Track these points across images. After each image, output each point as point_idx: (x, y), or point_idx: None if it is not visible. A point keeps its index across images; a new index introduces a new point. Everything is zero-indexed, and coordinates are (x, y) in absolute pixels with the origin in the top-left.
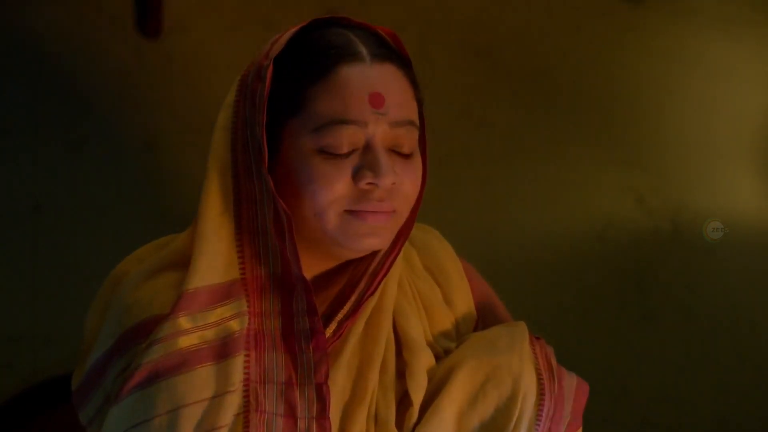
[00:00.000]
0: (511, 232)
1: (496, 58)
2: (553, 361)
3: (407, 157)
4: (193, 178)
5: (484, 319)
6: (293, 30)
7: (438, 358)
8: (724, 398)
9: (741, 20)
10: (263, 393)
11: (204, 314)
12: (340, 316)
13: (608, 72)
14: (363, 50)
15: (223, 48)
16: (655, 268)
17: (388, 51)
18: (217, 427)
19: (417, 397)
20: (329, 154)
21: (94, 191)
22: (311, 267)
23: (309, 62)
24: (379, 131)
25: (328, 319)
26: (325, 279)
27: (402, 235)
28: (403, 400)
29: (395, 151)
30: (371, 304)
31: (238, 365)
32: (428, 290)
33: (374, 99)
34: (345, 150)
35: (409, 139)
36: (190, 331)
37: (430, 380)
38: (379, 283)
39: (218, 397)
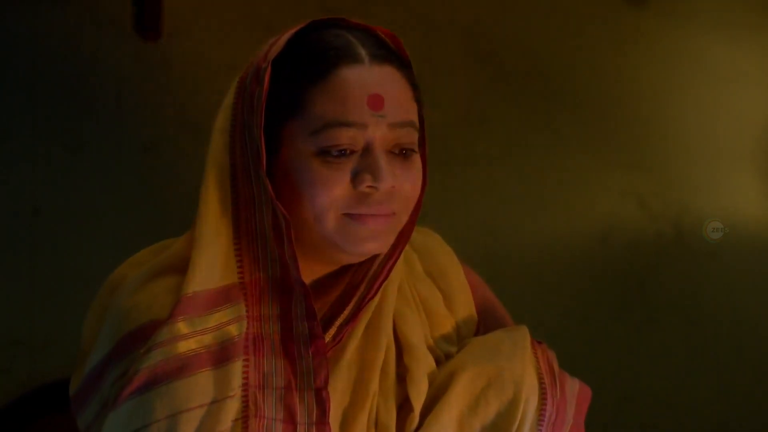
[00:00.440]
0: (512, 236)
1: (497, 61)
2: (555, 366)
3: (407, 159)
4: (192, 182)
5: (485, 323)
6: (291, 31)
7: (439, 362)
8: (727, 402)
9: (743, 23)
10: (262, 398)
11: (203, 319)
12: (339, 320)
13: (610, 75)
14: (362, 51)
15: (223, 51)
16: (657, 272)
17: (387, 52)
18: None
19: (418, 402)
20: (328, 157)
21: (93, 194)
22: (311, 272)
23: (307, 64)
24: (378, 133)
25: (327, 323)
26: (325, 283)
27: (402, 239)
28: (404, 405)
29: (395, 153)
30: (371, 308)
31: (237, 370)
32: (429, 294)
33: (373, 101)
34: (344, 152)
35: (408, 141)
36: (189, 336)
37: (430, 385)
38: (379, 287)
39: (217, 402)
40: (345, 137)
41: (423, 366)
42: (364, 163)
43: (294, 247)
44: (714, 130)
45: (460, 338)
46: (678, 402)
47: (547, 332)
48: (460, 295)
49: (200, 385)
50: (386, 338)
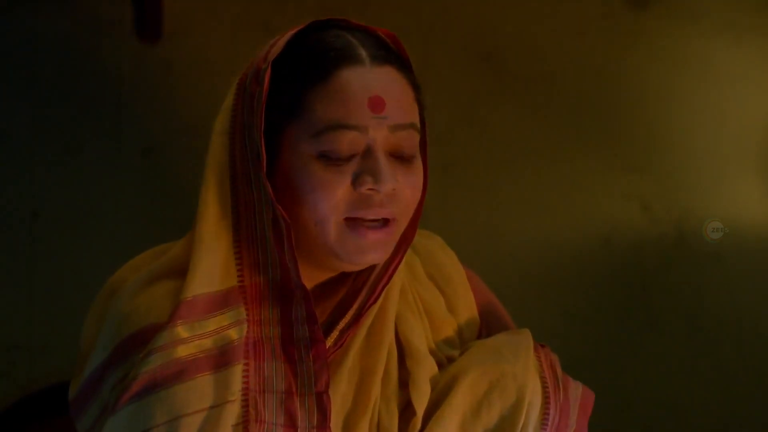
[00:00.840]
0: (514, 239)
1: (499, 63)
2: (558, 370)
3: (408, 162)
4: (192, 184)
5: (487, 326)
6: (291, 32)
7: (441, 366)
8: (730, 406)
9: (747, 25)
10: (263, 403)
11: (202, 323)
12: (341, 325)
13: (613, 77)
14: (363, 53)
15: (223, 53)
16: (660, 275)
17: (388, 53)
18: None
19: (420, 406)
20: (329, 159)
21: (92, 197)
22: (311, 276)
23: (308, 65)
24: (379, 136)
25: (329, 328)
26: (326, 288)
27: (404, 243)
28: (406, 410)
29: (396, 157)
30: (373, 312)
31: (236, 374)
32: (431, 298)
33: (374, 103)
34: (345, 155)
35: (410, 143)
36: (188, 340)
37: (433, 389)
38: (381, 291)
39: (217, 407)
40: (346, 140)
41: (425, 370)
42: (365, 165)
43: (294, 250)
44: (717, 133)
45: (462, 342)
46: (681, 405)
47: (549, 335)
48: (462, 298)
49: (199, 390)
50: (388, 342)
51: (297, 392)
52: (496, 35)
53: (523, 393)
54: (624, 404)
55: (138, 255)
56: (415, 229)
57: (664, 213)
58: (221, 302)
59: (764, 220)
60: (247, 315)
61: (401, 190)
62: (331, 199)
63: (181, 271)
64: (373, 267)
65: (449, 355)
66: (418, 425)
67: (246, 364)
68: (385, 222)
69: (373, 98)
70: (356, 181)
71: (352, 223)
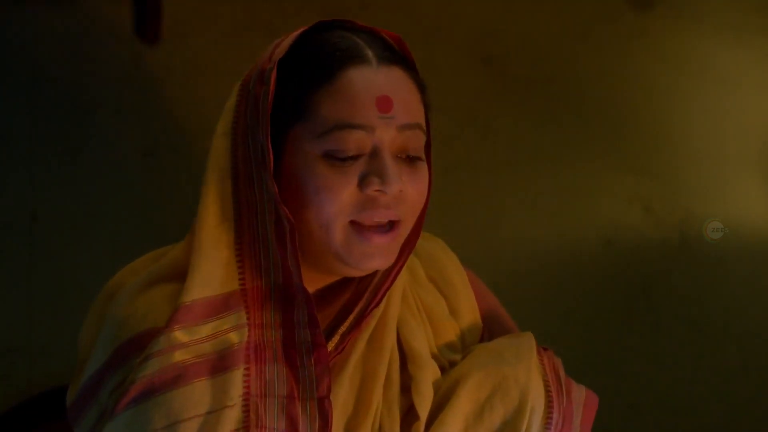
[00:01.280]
0: (516, 241)
1: (501, 65)
2: (562, 373)
3: (414, 163)
4: (192, 187)
5: (490, 329)
6: (297, 33)
7: (443, 370)
8: (733, 409)
9: (750, 27)
10: (263, 407)
11: (201, 327)
12: (342, 329)
13: (615, 79)
14: (369, 53)
15: (223, 54)
16: (662, 279)
17: (394, 54)
18: None
19: (423, 410)
20: (335, 160)
21: (92, 200)
22: (314, 280)
23: (314, 65)
24: (386, 136)
25: (330, 332)
26: (328, 293)
27: (407, 247)
28: (408, 414)
29: (402, 158)
30: (375, 316)
31: (236, 379)
32: (433, 302)
33: (382, 103)
34: (351, 155)
35: (416, 144)
36: (187, 345)
37: (435, 393)
38: (383, 295)
39: (216, 412)
40: (353, 140)
41: (427, 374)
42: (372, 166)
43: (297, 252)
44: (720, 135)
45: (464, 345)
46: (684, 408)
47: (551, 339)
48: (465, 301)
49: (196, 395)
50: (390, 347)
51: (299, 397)
52: (498, 38)
53: (526, 397)
54: (627, 407)
55: (137, 258)
56: (419, 234)
57: (667, 215)
58: (221, 306)
59: (767, 223)
60: (248, 318)
61: (406, 191)
62: (337, 200)
63: (180, 274)
64: (375, 272)
65: (451, 359)
66: (421, 429)
67: (247, 369)
68: (391, 225)
69: (381, 98)
70: (363, 182)
71: (358, 227)
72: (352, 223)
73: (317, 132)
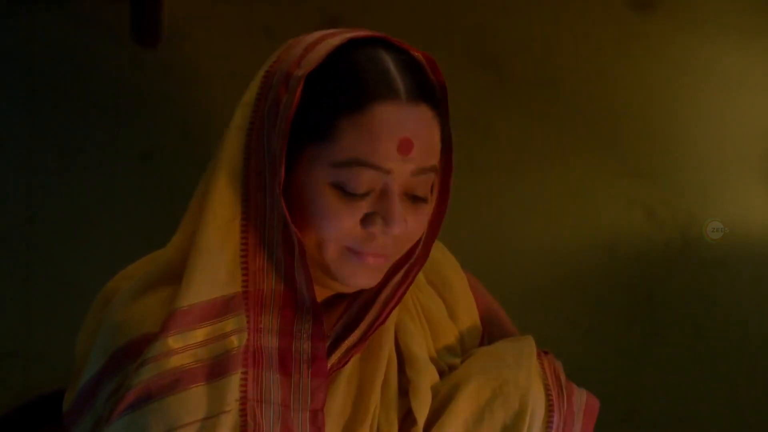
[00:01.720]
0: (517, 245)
1: (502, 67)
2: (562, 377)
3: (417, 205)
4: (191, 190)
5: (489, 333)
6: (330, 46)
7: (442, 374)
8: (735, 414)
9: (752, 29)
10: (261, 413)
11: (197, 331)
12: (347, 344)
13: (617, 81)
14: (400, 87)
15: (222, 57)
16: (665, 282)
17: (424, 87)
18: None
19: (421, 415)
20: (345, 193)
21: (89, 203)
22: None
23: (342, 91)
24: (400, 179)
25: (332, 347)
26: (325, 306)
27: (416, 265)
28: (406, 418)
29: (408, 194)
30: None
31: (233, 384)
32: (432, 305)
33: (404, 145)
34: (361, 192)
35: (425, 186)
36: (183, 350)
37: (434, 397)
38: (390, 312)
39: (211, 418)
40: (366, 178)
41: (426, 378)
42: (379, 206)
43: (309, 270)
44: (723, 137)
45: (464, 349)
46: (686, 413)
47: (552, 343)
48: (464, 305)
49: (193, 401)
50: (388, 351)
51: (291, 406)
52: (499, 39)
53: (526, 401)
54: (629, 412)
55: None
56: (428, 253)
57: (669, 219)
58: (221, 309)
59: None
60: (248, 322)
61: (405, 231)
62: (337, 230)
63: (176, 276)
64: (381, 287)
65: (450, 363)
66: None
67: (245, 373)
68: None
69: (404, 140)
70: (366, 220)
71: (352, 250)
72: (347, 248)
73: (333, 160)
